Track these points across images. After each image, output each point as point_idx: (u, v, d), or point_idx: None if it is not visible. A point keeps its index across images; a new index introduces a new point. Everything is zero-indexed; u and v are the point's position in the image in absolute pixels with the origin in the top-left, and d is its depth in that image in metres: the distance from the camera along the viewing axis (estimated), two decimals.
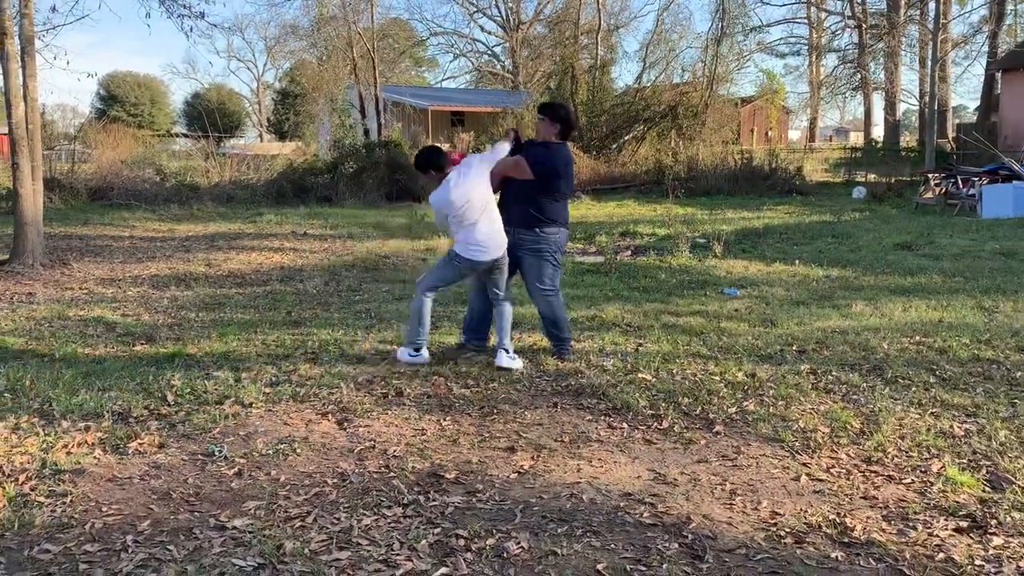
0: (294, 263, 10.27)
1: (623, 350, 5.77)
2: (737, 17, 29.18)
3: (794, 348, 5.79)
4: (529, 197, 5.39)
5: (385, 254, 10.95)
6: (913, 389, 4.87)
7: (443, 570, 2.84)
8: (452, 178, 5.20)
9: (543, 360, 5.47)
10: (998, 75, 25.95)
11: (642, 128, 25.00)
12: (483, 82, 49.79)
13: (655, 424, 4.32)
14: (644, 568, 2.88)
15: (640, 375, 5.12)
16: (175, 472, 3.68)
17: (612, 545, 3.03)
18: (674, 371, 5.23)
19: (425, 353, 5.44)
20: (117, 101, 55.53)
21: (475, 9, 47.63)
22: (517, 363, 5.32)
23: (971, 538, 3.10)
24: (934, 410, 4.51)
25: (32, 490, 3.45)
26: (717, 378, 5.07)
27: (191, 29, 16.47)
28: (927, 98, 25.17)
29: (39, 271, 9.32)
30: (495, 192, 5.45)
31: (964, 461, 3.81)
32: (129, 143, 22.02)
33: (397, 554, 2.94)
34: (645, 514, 3.29)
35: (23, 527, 3.13)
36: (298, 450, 3.93)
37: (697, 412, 4.49)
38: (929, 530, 3.16)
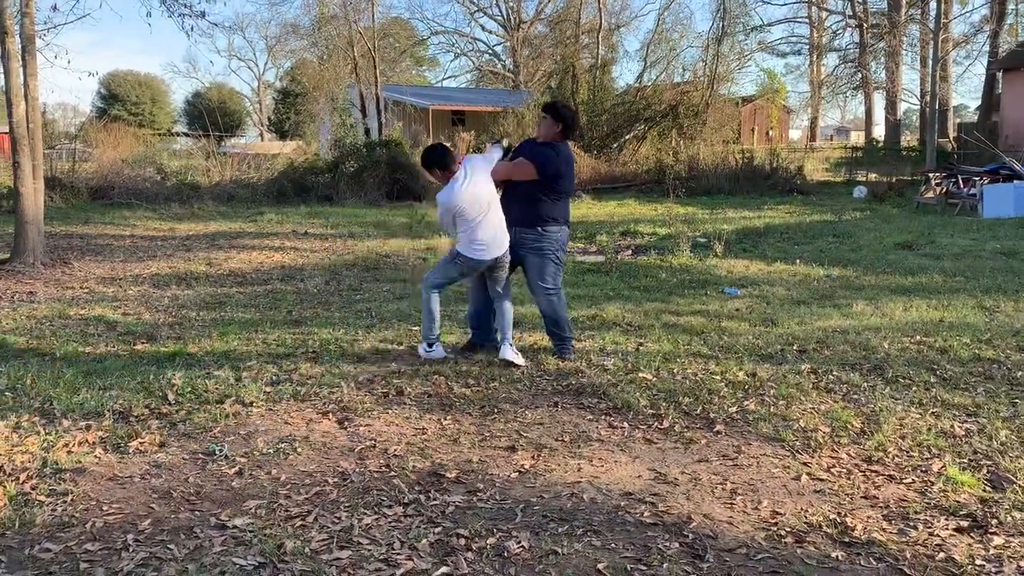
0: (295, 262, 10.27)
1: (624, 349, 5.77)
2: (738, 16, 29.23)
3: (795, 347, 5.79)
4: (531, 196, 5.39)
5: (386, 253, 10.95)
6: (914, 389, 4.87)
7: (444, 569, 2.84)
8: (459, 177, 5.20)
9: (544, 359, 5.47)
10: (999, 75, 25.93)
11: (643, 127, 24.98)
12: (484, 81, 49.79)
13: (656, 423, 4.32)
14: (645, 567, 2.88)
15: (641, 374, 5.12)
16: (176, 471, 3.68)
17: (613, 544, 3.03)
18: (675, 370, 5.23)
19: (439, 348, 5.48)
20: (118, 100, 55.57)
21: (476, 8, 47.65)
22: (520, 359, 5.34)
23: (972, 538, 3.10)
24: (935, 410, 4.51)
25: (33, 489, 3.45)
26: (718, 377, 5.07)
27: (192, 28, 16.49)
28: (928, 97, 25.15)
29: (40, 270, 9.33)
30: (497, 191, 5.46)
31: (965, 461, 3.81)
32: (130, 142, 22.00)
33: (398, 553, 2.94)
34: (646, 513, 3.29)
35: (24, 526, 3.13)
36: (299, 449, 3.93)
37: (698, 411, 4.49)
38: (930, 530, 3.16)
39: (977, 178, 16.10)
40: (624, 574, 2.84)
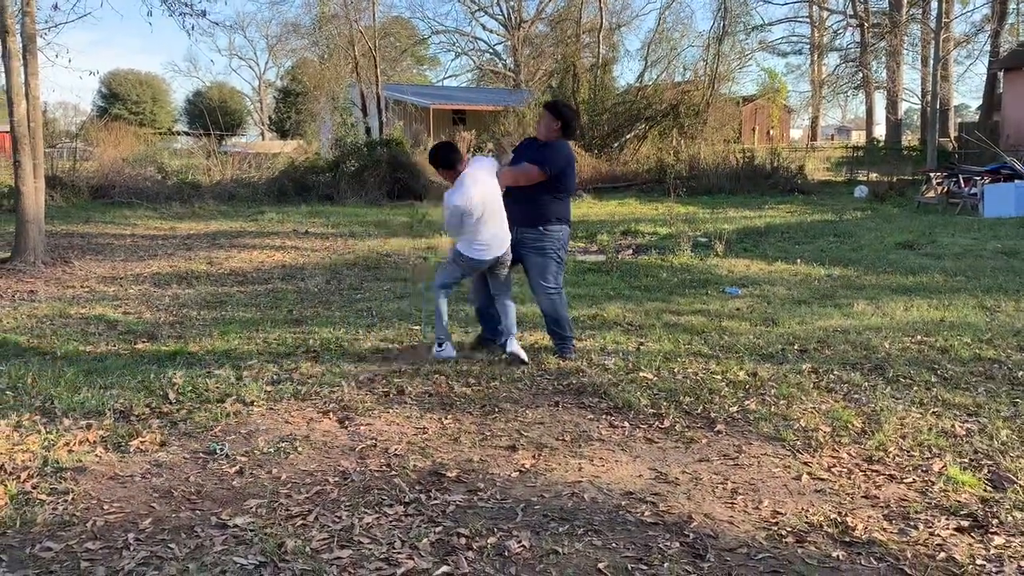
0: (296, 261, 10.27)
1: (624, 349, 5.77)
2: (739, 16, 29.19)
3: (796, 347, 5.79)
4: (532, 195, 5.40)
5: (386, 252, 10.95)
6: (915, 388, 4.87)
7: (444, 568, 2.84)
8: (467, 178, 5.20)
9: (545, 359, 5.47)
10: (1000, 74, 25.93)
11: (644, 127, 24.98)
12: (485, 80, 49.80)
13: (656, 423, 4.32)
14: (645, 567, 2.88)
15: (641, 374, 5.12)
16: (176, 470, 3.68)
17: (613, 544, 3.03)
18: (675, 370, 5.23)
19: (448, 348, 5.49)
20: (119, 99, 55.57)
21: (477, 7, 47.66)
22: (525, 356, 5.36)
23: (972, 537, 3.10)
24: (936, 409, 4.51)
25: (34, 488, 3.46)
26: (718, 377, 5.07)
27: (193, 27, 16.51)
28: (929, 97, 25.16)
29: (41, 269, 9.33)
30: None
31: (965, 460, 3.81)
32: (131, 141, 22.01)
33: (398, 552, 2.94)
34: (646, 513, 3.29)
35: (25, 525, 3.13)
36: (299, 448, 3.93)
37: (698, 411, 4.49)
38: (930, 529, 3.15)
39: (978, 178, 16.09)
40: (625, 574, 2.84)
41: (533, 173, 5.36)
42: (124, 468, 3.69)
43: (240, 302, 7.65)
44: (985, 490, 3.50)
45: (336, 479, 3.60)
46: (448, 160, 5.28)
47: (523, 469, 3.72)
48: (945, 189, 17.04)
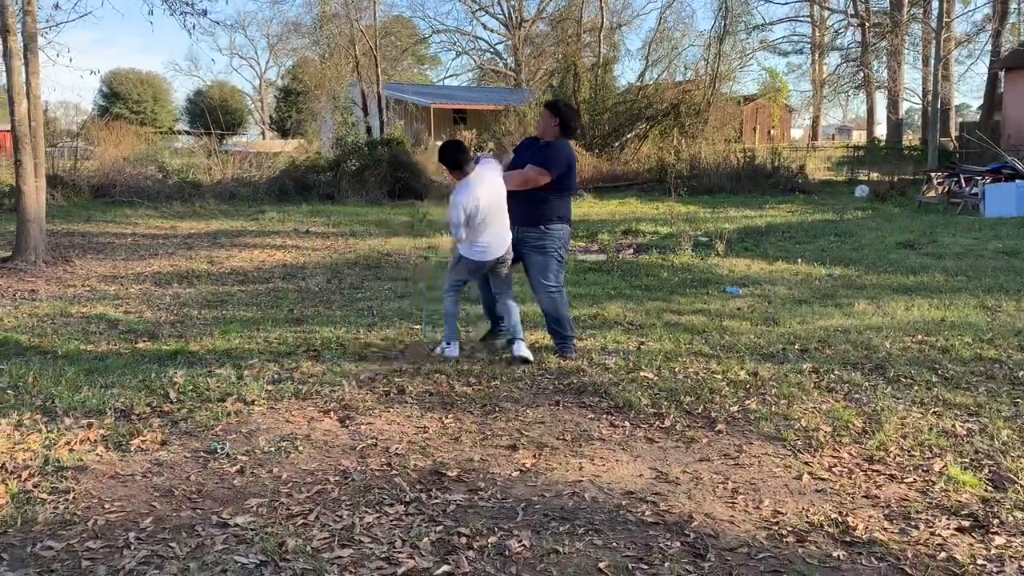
0: (296, 261, 10.27)
1: (625, 348, 5.77)
2: (740, 15, 29.25)
3: (796, 347, 5.79)
4: (533, 195, 5.40)
5: (387, 252, 10.95)
6: (915, 388, 4.87)
7: (445, 568, 2.84)
8: (474, 179, 5.19)
9: (545, 358, 5.47)
10: (1001, 74, 25.92)
11: (644, 126, 24.98)
12: (485, 80, 49.80)
13: (657, 422, 4.32)
14: (646, 567, 2.88)
15: (642, 373, 5.12)
16: (177, 469, 3.68)
17: (614, 543, 3.03)
18: (676, 369, 5.23)
19: (453, 348, 5.51)
20: (120, 98, 55.57)
21: (477, 7, 47.65)
22: (530, 355, 5.38)
23: (973, 537, 3.10)
24: (936, 409, 4.51)
25: (35, 487, 3.46)
26: (719, 377, 5.07)
27: (194, 26, 16.45)
28: (930, 97, 25.14)
29: (42, 268, 9.33)
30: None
31: (966, 460, 3.81)
32: (131, 140, 22.01)
33: (399, 552, 2.94)
34: (647, 512, 3.29)
35: (26, 524, 3.13)
36: (300, 448, 3.93)
37: (699, 411, 4.49)
38: (931, 529, 3.15)
39: (979, 177, 16.08)
40: (625, 573, 2.84)
41: (539, 177, 5.38)
42: (125, 467, 3.70)
43: (241, 301, 7.65)
44: (986, 490, 3.50)
45: (337, 478, 3.60)
46: (456, 160, 5.26)
47: (524, 468, 3.73)
48: (946, 189, 17.03)
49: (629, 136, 24.89)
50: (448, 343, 5.55)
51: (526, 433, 4.17)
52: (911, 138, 41.00)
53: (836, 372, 5.18)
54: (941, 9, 23.22)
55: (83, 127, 24.83)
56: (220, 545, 2.98)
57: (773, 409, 4.49)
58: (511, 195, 5.46)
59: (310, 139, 34.16)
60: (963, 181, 16.56)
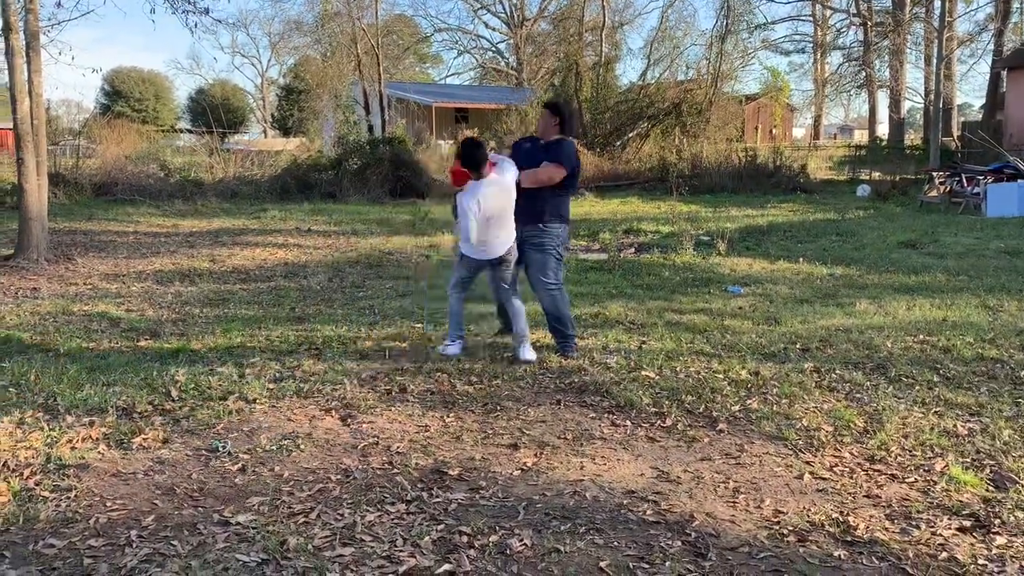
0: (298, 259, 10.28)
1: (627, 347, 5.77)
2: (742, 14, 29.20)
3: (798, 346, 5.79)
4: (534, 193, 5.41)
5: (389, 250, 10.96)
6: (917, 388, 4.87)
7: (446, 567, 2.84)
8: (485, 182, 5.17)
9: (547, 357, 5.47)
10: (1003, 73, 25.89)
11: (646, 125, 24.98)
12: (487, 79, 49.79)
13: (658, 422, 4.32)
14: (647, 566, 2.88)
15: (643, 373, 5.12)
16: (179, 468, 3.69)
17: (615, 543, 3.03)
18: (678, 369, 5.23)
19: (455, 346, 5.52)
20: (121, 96, 55.60)
21: (479, 5, 47.63)
22: (534, 356, 5.39)
23: (974, 537, 3.10)
24: (938, 409, 4.50)
25: (37, 485, 3.46)
26: (721, 376, 5.07)
27: (195, 25, 16.51)
28: (932, 96, 25.12)
29: (44, 266, 9.34)
30: None
31: (968, 460, 3.81)
32: (133, 138, 22.01)
33: (400, 550, 2.95)
34: (648, 512, 3.29)
35: (28, 521, 3.14)
36: (302, 446, 3.94)
37: (700, 410, 4.49)
38: (932, 529, 3.15)
39: (981, 177, 16.07)
40: (627, 572, 2.84)
41: (555, 174, 5.40)
42: (127, 465, 3.70)
43: (242, 300, 7.66)
44: (987, 490, 3.50)
45: (338, 477, 3.60)
46: (474, 159, 5.21)
47: (525, 467, 3.73)
48: (948, 188, 17.02)
49: (631, 135, 24.88)
50: (450, 341, 5.55)
51: (527, 432, 4.17)
52: (913, 137, 40.96)
53: (837, 372, 5.18)
54: (943, 8, 23.21)
55: (85, 125, 24.84)
56: (222, 543, 2.98)
57: (774, 408, 4.49)
58: None
59: (312, 138, 34.19)
60: (965, 181, 16.55)
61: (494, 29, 50.73)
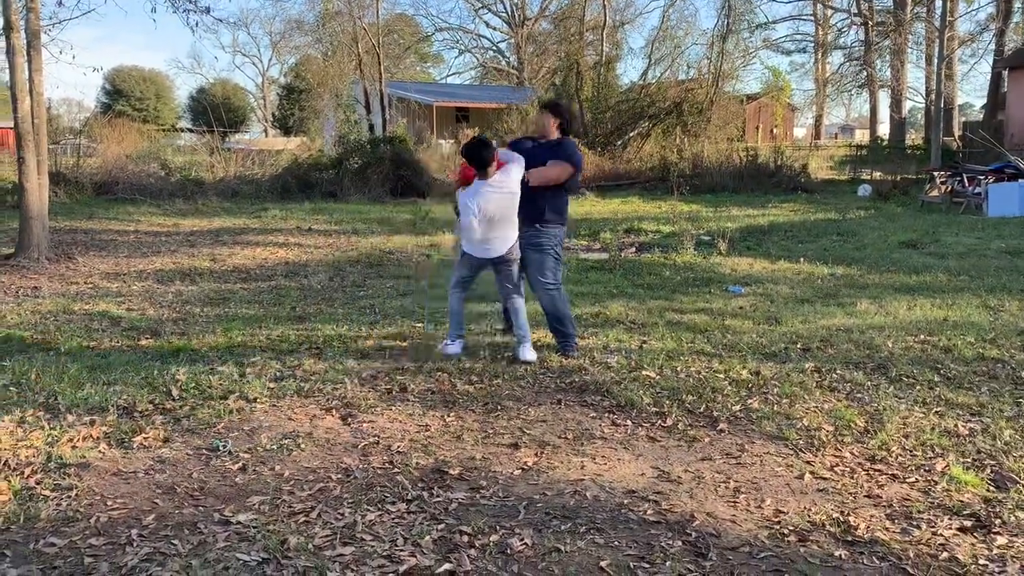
0: (299, 258, 10.28)
1: (627, 347, 5.77)
2: (743, 14, 29.16)
3: (799, 346, 5.78)
4: (533, 193, 5.40)
5: (389, 250, 10.96)
6: (918, 388, 4.87)
7: (447, 566, 2.84)
8: (488, 184, 5.17)
9: (547, 357, 5.47)
10: (1005, 73, 25.86)
11: (647, 125, 24.97)
12: (488, 78, 49.79)
13: (659, 421, 4.32)
14: (648, 565, 2.88)
15: (644, 372, 5.12)
16: (180, 467, 3.69)
17: (616, 542, 3.03)
18: (678, 368, 5.23)
19: (455, 346, 5.53)
20: (122, 95, 55.61)
21: (480, 5, 47.62)
22: (534, 356, 5.38)
23: (975, 537, 3.10)
24: (938, 409, 4.50)
25: (38, 484, 3.46)
26: (721, 376, 5.07)
27: (197, 24, 16.50)
28: (933, 96, 25.10)
29: (44, 265, 9.35)
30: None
31: (968, 460, 3.81)
32: (134, 138, 22.02)
33: (401, 550, 2.95)
34: (649, 511, 3.29)
35: (29, 520, 3.14)
36: (302, 445, 3.94)
37: (701, 410, 4.48)
38: (933, 529, 3.15)
39: (982, 177, 16.06)
40: (627, 572, 2.84)
41: (563, 172, 5.42)
42: (127, 464, 3.70)
43: (243, 299, 7.66)
44: (988, 490, 3.49)
45: (339, 476, 3.60)
46: (481, 159, 5.18)
47: (525, 467, 3.73)
48: (949, 188, 17.01)
49: (632, 135, 24.88)
50: (451, 341, 5.55)
51: (528, 431, 4.17)
52: (914, 137, 40.92)
53: (838, 371, 5.17)
54: (944, 8, 23.20)
55: (86, 124, 24.84)
56: (222, 542, 2.98)
57: (775, 408, 4.49)
58: None
59: (313, 137, 34.18)
60: (966, 180, 16.54)
61: (495, 28, 50.87)
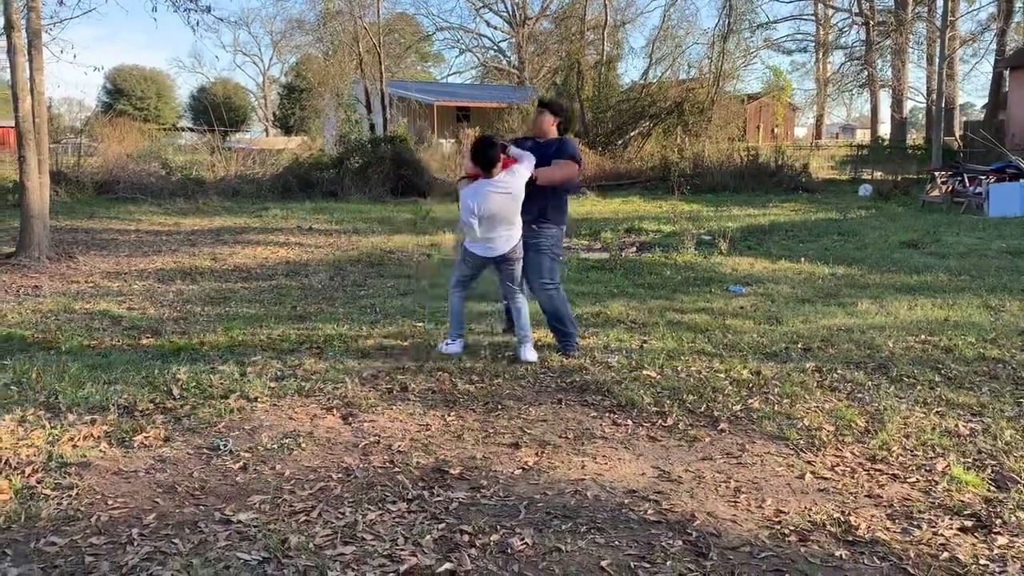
0: (299, 258, 10.28)
1: (628, 347, 5.76)
2: (744, 13, 29.18)
3: (799, 346, 5.78)
4: (532, 194, 5.39)
5: (390, 249, 10.96)
6: (918, 388, 4.87)
7: (447, 565, 2.84)
8: (490, 184, 5.16)
9: (548, 356, 5.47)
10: (1006, 73, 25.86)
11: (648, 124, 24.97)
12: (489, 78, 49.78)
13: (660, 421, 4.32)
14: (648, 565, 2.88)
15: (645, 372, 5.12)
16: (180, 466, 3.69)
17: (616, 542, 3.03)
18: (679, 368, 5.23)
19: (455, 345, 5.52)
20: (123, 95, 55.61)
21: (481, 4, 47.59)
22: (535, 356, 5.38)
23: (976, 537, 3.09)
24: (939, 409, 4.50)
25: (38, 483, 3.47)
26: (722, 375, 5.06)
27: (197, 23, 16.47)
28: (934, 96, 25.09)
29: (45, 264, 9.35)
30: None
31: (969, 460, 3.81)
32: (135, 137, 22.03)
33: (401, 549, 2.95)
34: (649, 511, 3.29)
35: (29, 519, 3.14)
36: (303, 445, 3.94)
37: (702, 409, 4.48)
38: (934, 529, 3.15)
39: (983, 177, 16.05)
40: (628, 572, 2.84)
41: (572, 171, 5.43)
42: (128, 463, 3.70)
43: (244, 298, 7.66)
44: (989, 490, 3.49)
45: (339, 475, 3.60)
46: (487, 158, 5.17)
47: (526, 466, 3.73)
48: (950, 188, 17.01)
49: (632, 134, 24.88)
50: (451, 340, 5.55)
51: (528, 431, 4.17)
52: (915, 137, 40.91)
53: (839, 371, 5.17)
54: (946, 8, 23.19)
55: (87, 123, 24.85)
56: (223, 542, 2.98)
57: (776, 408, 4.49)
58: None
59: (313, 136, 34.18)
60: (967, 180, 16.54)
61: (496, 28, 50.77)
